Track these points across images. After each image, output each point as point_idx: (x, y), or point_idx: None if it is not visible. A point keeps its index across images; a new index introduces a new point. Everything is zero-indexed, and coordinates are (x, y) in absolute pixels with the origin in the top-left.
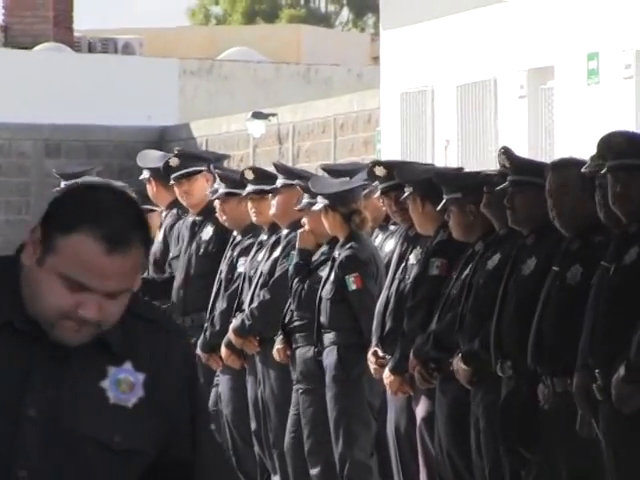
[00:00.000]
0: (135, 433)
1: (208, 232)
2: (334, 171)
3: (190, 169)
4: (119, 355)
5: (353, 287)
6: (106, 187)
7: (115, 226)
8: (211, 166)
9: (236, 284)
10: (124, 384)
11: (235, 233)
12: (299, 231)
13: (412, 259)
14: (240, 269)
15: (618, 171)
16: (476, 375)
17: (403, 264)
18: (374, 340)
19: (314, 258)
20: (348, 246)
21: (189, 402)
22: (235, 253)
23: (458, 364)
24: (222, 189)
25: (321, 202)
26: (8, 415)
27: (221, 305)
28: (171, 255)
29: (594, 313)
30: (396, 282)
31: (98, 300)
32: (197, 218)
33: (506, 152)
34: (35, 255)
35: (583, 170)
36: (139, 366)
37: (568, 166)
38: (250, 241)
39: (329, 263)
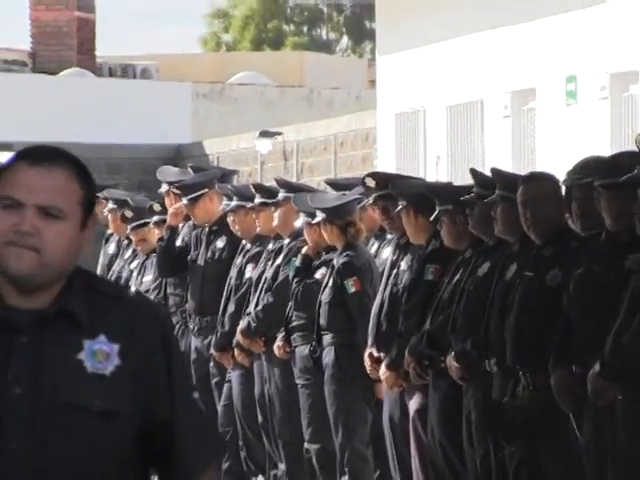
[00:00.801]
0: (113, 397)
1: (222, 240)
2: (336, 185)
3: (191, 195)
4: (92, 329)
5: (352, 290)
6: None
7: (43, 150)
8: (216, 185)
9: (244, 288)
10: (100, 354)
11: (244, 242)
12: (304, 249)
13: (403, 265)
14: (247, 275)
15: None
16: (467, 372)
17: (395, 270)
18: (370, 340)
19: (314, 264)
20: (345, 254)
21: (165, 367)
22: (244, 260)
23: (451, 362)
24: (233, 202)
25: (319, 216)
26: None
27: (230, 308)
28: (189, 258)
29: (576, 315)
30: (389, 287)
31: (31, 216)
32: (213, 227)
33: (495, 170)
34: None
35: (562, 182)
36: (113, 338)
37: (542, 179)
38: (258, 249)
39: (327, 269)
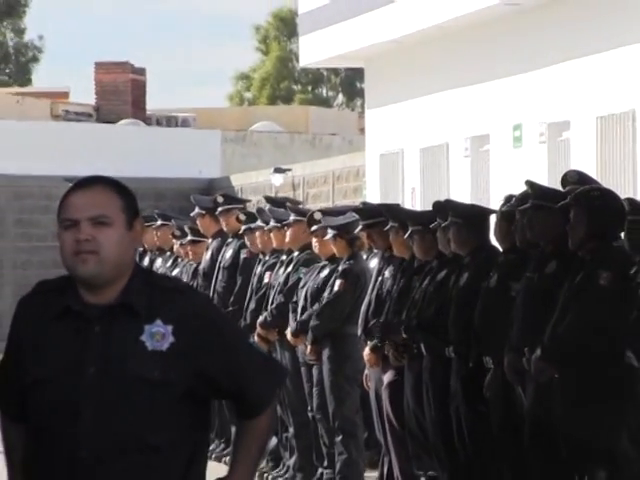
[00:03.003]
0: (170, 369)
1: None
2: (329, 212)
3: (228, 206)
4: (150, 316)
5: (336, 288)
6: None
7: (84, 178)
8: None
9: (262, 291)
10: (157, 335)
11: (261, 256)
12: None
13: (387, 274)
14: (266, 280)
15: (539, 210)
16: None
17: (380, 277)
18: (359, 331)
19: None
20: (347, 262)
21: (214, 337)
22: (263, 269)
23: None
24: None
25: (331, 232)
26: (75, 372)
27: (251, 306)
28: (222, 265)
29: (522, 310)
30: (375, 290)
31: (86, 227)
32: (237, 242)
33: (448, 201)
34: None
35: (503, 209)
36: (166, 321)
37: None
38: (274, 260)
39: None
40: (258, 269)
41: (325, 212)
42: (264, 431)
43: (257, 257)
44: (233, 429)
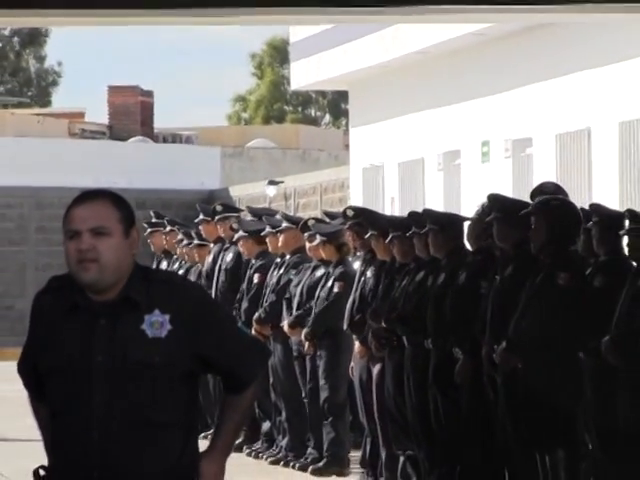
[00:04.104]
0: (169, 353)
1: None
2: (320, 220)
3: (225, 214)
4: (149, 307)
5: (336, 290)
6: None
7: (86, 192)
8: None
9: (253, 291)
10: (156, 324)
11: (252, 260)
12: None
13: (369, 274)
14: (255, 281)
15: (500, 220)
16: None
17: (363, 277)
18: (345, 325)
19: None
20: (341, 266)
21: (207, 323)
22: (252, 272)
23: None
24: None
25: (320, 239)
26: (84, 361)
27: (244, 305)
28: (223, 267)
29: (491, 308)
30: (359, 289)
31: (87, 238)
32: (235, 247)
33: (426, 210)
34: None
35: (473, 216)
36: (164, 310)
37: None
38: (261, 262)
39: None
40: (248, 272)
41: (317, 220)
42: (247, 406)
43: (249, 262)
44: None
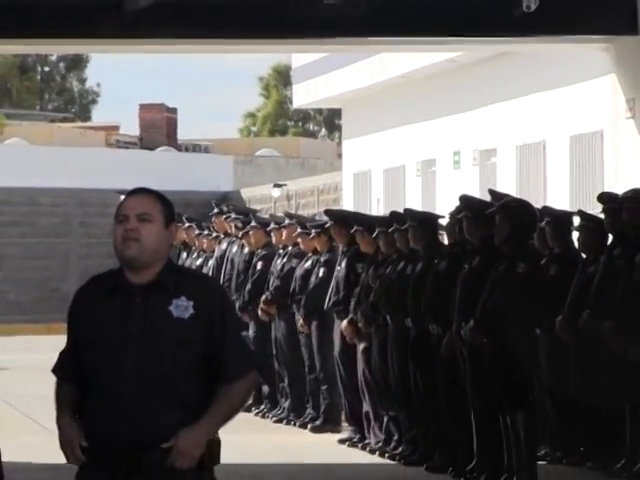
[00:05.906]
0: (189, 332)
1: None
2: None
3: (233, 215)
4: (177, 293)
5: (321, 275)
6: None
7: (137, 188)
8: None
9: (256, 275)
10: (181, 307)
11: (257, 250)
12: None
13: (343, 264)
14: (259, 267)
15: (471, 218)
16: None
17: (339, 267)
18: (325, 306)
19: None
20: (328, 255)
21: (220, 317)
22: (256, 259)
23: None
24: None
25: (315, 231)
26: (121, 333)
27: (248, 287)
28: (230, 258)
29: (460, 293)
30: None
31: (133, 221)
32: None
33: (407, 209)
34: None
35: (449, 214)
36: (189, 297)
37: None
38: (264, 252)
39: (313, 262)
40: (254, 260)
41: (313, 219)
42: (235, 398)
43: (253, 253)
44: None
